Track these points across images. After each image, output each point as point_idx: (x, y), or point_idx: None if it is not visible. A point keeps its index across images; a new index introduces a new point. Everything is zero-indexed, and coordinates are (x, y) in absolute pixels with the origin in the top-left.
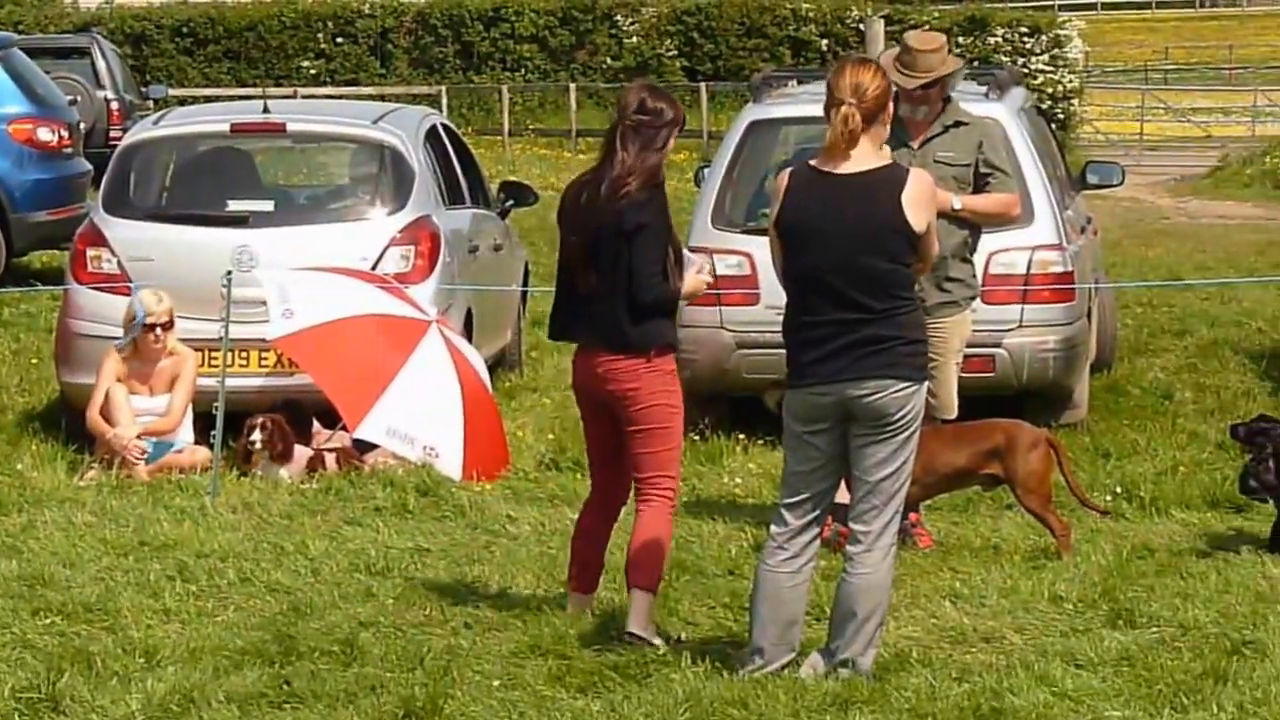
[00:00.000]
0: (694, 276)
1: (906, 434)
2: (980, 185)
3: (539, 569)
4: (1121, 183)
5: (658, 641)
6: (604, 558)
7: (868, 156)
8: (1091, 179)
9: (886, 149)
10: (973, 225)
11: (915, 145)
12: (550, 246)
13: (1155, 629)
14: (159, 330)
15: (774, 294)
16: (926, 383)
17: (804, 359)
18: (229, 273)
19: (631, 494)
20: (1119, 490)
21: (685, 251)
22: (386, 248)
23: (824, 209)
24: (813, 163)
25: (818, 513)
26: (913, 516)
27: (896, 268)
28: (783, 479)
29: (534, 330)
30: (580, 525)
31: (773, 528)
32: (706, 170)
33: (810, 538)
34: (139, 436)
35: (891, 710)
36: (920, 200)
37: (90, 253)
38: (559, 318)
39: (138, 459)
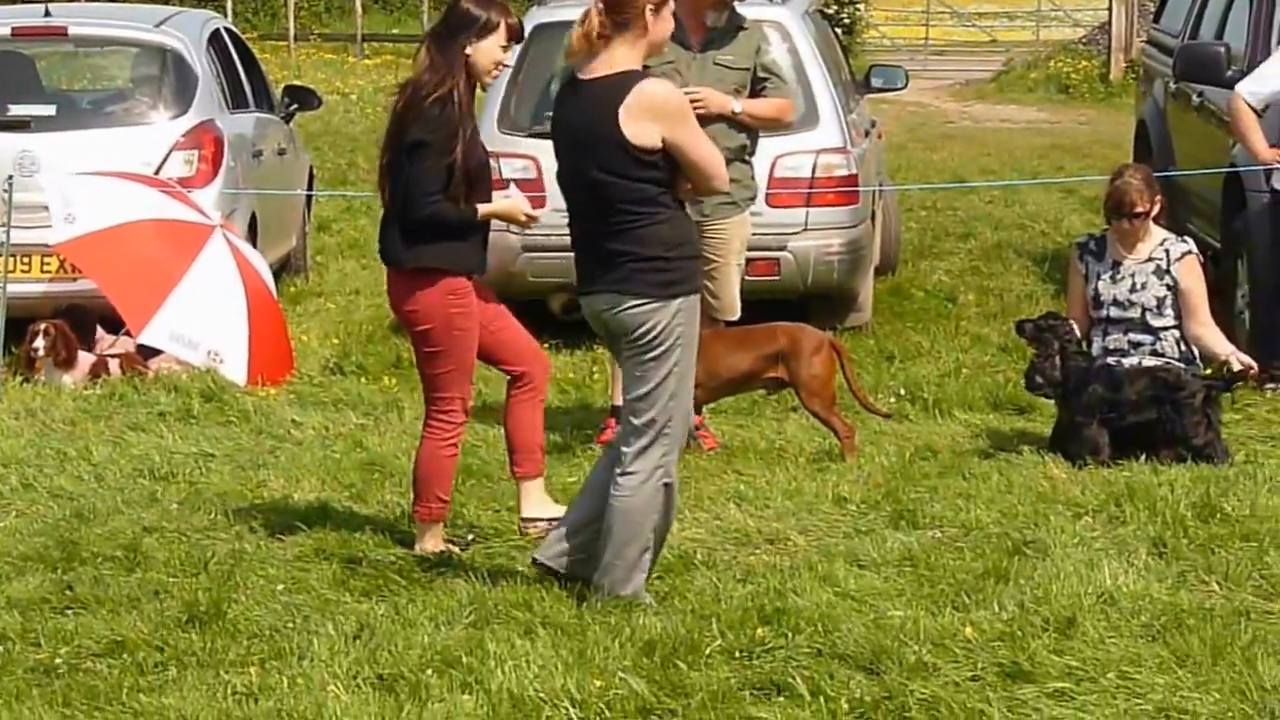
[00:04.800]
0: (503, 203)
1: (653, 355)
2: (756, 90)
3: (323, 473)
4: (905, 86)
5: (445, 547)
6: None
7: (616, 62)
8: (876, 82)
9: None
10: (750, 129)
11: (695, 49)
12: (335, 151)
13: (938, 529)
14: None
15: (559, 197)
16: (676, 301)
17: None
18: (10, 178)
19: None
20: (903, 392)
21: (513, 187)
22: (170, 152)
23: (563, 115)
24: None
25: None
26: (696, 419)
27: (615, 180)
28: None
29: (319, 235)
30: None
31: None
32: None
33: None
34: None
35: (676, 611)
36: (641, 111)
37: None
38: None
39: None
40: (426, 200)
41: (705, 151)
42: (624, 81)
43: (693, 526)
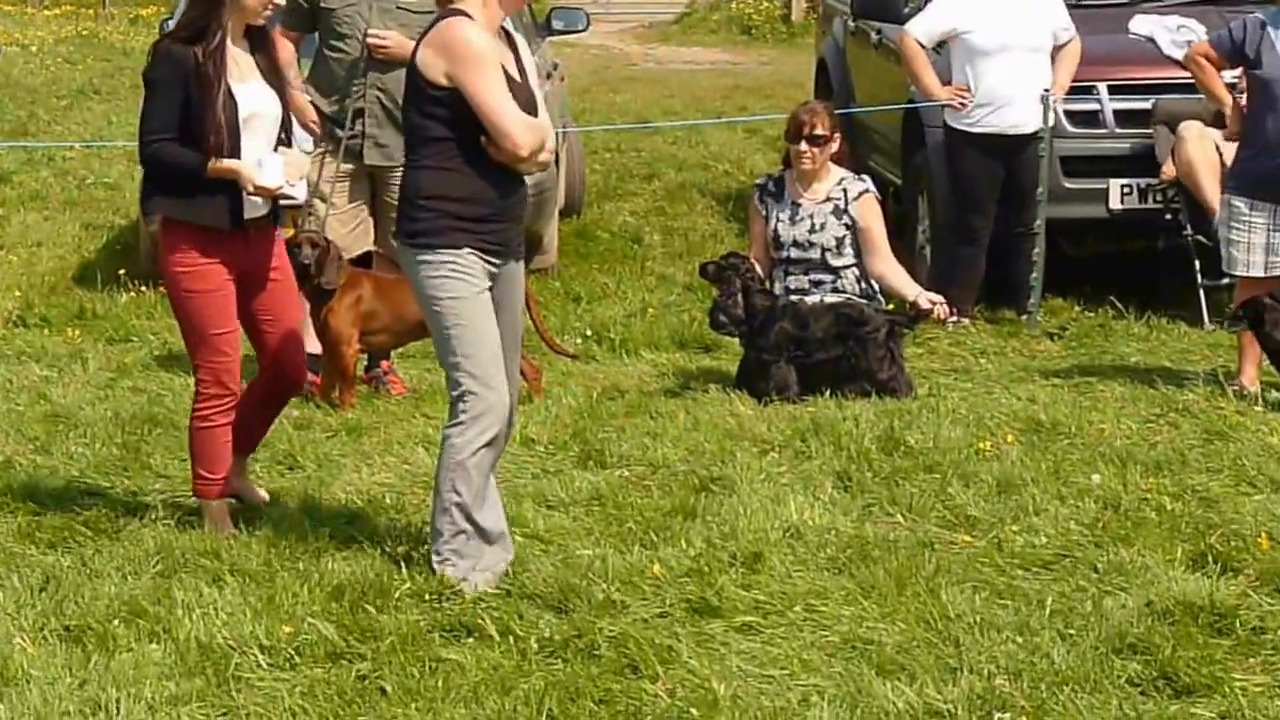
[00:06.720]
0: (235, 163)
1: (428, 307)
2: None
3: (7, 426)
4: (587, 28)
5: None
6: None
7: (465, 3)
8: (557, 25)
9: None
10: None
11: None
12: (15, 103)
13: (625, 468)
14: None
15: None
16: (424, 254)
17: None
18: None
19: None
20: (590, 333)
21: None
22: None
23: None
24: None
25: None
26: (384, 365)
27: (409, 113)
28: None
29: (1, 188)
30: None
31: None
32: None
33: None
34: None
35: (365, 556)
36: (432, 43)
37: None
38: None
39: None
40: (146, 139)
41: (496, 104)
42: (440, 16)
43: (381, 471)
